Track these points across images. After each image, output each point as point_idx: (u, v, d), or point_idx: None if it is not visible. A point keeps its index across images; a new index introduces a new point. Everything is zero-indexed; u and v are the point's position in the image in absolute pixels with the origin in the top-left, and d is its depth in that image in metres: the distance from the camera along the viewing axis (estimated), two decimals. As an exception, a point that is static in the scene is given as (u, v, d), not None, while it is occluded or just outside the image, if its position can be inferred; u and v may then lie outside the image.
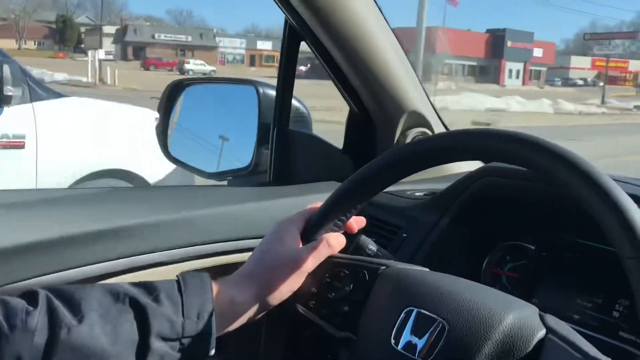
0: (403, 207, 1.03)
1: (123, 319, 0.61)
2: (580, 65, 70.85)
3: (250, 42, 75.88)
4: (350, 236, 0.78)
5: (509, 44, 56.85)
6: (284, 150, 1.15)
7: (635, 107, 29.79)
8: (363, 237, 0.78)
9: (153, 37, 65.84)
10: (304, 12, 0.98)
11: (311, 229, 0.73)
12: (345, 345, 0.68)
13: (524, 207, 0.92)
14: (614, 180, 0.56)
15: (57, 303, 0.59)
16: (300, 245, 0.72)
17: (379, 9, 1.03)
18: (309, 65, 30.75)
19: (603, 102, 31.59)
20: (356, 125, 1.20)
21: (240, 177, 1.24)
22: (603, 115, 25.62)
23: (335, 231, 0.74)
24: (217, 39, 73.22)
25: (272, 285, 0.69)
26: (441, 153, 0.68)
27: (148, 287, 0.64)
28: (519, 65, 59.71)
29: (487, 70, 58.21)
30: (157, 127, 1.32)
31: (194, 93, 1.33)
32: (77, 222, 0.86)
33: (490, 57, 58.07)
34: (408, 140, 1.15)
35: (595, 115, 24.86)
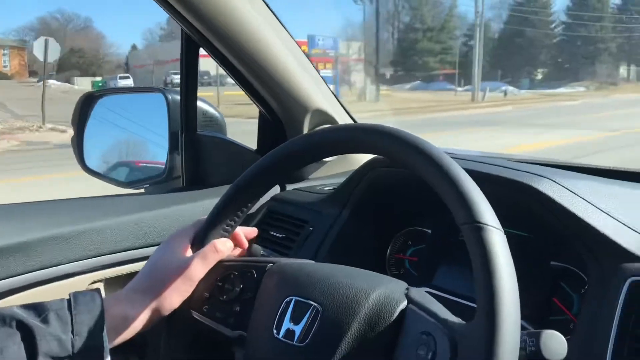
0: (309, 202, 1.07)
1: (10, 341, 0.62)
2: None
3: None
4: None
5: None
6: (194, 154, 1.17)
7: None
8: (255, 246, 0.82)
9: None
10: (194, 21, 0.99)
11: (200, 237, 0.75)
12: (239, 344, 0.71)
13: (418, 193, 0.96)
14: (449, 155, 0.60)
15: None
16: (190, 254, 0.74)
17: (272, 11, 1.06)
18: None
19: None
20: (267, 126, 1.22)
21: (156, 184, 1.26)
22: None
23: (224, 236, 0.76)
24: None
25: (163, 296, 0.71)
26: (304, 154, 0.72)
27: (37, 308, 0.66)
28: None
29: None
30: (72, 140, 1.32)
31: (106, 104, 1.33)
32: None
33: None
34: None
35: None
